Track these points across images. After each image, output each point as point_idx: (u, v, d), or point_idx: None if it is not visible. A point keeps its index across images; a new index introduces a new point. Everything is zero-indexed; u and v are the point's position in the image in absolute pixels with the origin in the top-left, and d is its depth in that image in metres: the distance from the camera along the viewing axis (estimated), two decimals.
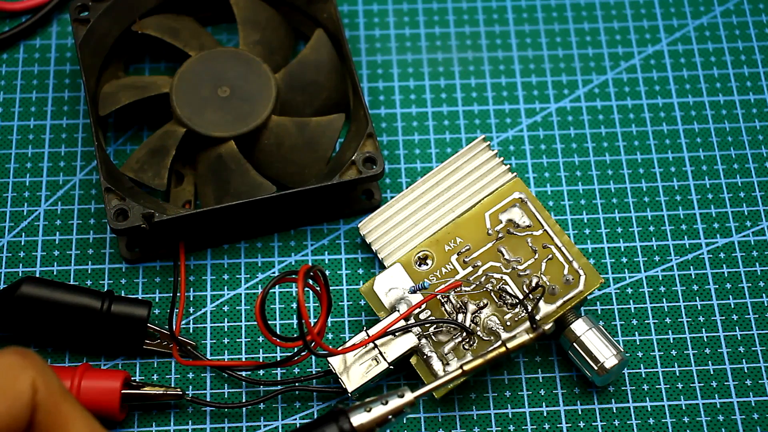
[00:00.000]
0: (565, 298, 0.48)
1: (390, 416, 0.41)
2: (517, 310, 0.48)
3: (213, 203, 0.51)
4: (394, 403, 0.42)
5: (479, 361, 0.45)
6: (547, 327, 0.46)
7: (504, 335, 0.47)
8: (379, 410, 0.41)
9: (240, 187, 0.51)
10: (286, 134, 0.52)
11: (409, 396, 0.42)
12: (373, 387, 0.49)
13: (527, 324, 0.47)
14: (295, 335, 0.49)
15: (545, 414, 0.49)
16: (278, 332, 0.50)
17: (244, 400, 0.49)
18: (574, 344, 0.48)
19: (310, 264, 0.52)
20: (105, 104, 0.53)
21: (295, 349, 0.46)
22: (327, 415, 0.41)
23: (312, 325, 0.43)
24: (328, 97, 0.54)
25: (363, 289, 0.49)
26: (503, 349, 0.45)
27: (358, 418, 0.41)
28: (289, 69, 0.54)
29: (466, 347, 0.47)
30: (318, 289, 0.44)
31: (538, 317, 0.47)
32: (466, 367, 0.45)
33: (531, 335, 0.45)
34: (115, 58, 0.55)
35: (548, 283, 0.48)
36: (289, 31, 0.56)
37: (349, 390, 0.46)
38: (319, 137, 0.52)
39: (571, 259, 0.49)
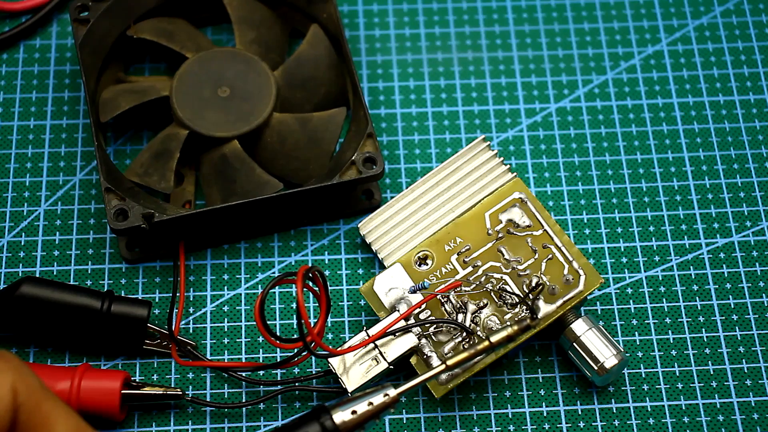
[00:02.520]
0: (565, 298, 0.48)
1: (373, 412, 0.41)
2: (517, 309, 0.48)
3: (219, 204, 0.51)
4: (377, 399, 0.42)
5: (463, 355, 0.44)
6: (531, 320, 0.46)
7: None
8: (361, 407, 0.41)
9: (246, 186, 0.51)
10: (289, 131, 0.52)
11: (391, 392, 0.42)
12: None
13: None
14: (295, 335, 0.50)
15: (545, 414, 0.49)
16: (278, 332, 0.50)
17: (244, 400, 0.49)
18: (574, 344, 0.48)
19: (309, 264, 0.52)
20: (105, 110, 0.53)
21: (295, 350, 0.46)
22: (309, 412, 0.42)
23: (312, 325, 0.43)
24: (327, 92, 0.54)
25: (363, 289, 0.49)
26: (486, 343, 0.45)
27: (341, 416, 0.41)
28: (287, 66, 0.54)
29: (466, 347, 0.47)
30: (317, 289, 0.44)
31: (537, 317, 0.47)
32: (449, 362, 0.44)
33: (514, 328, 0.45)
34: (115, 58, 0.55)
35: (548, 283, 0.48)
36: (283, 29, 0.56)
37: (350, 390, 0.46)
38: (322, 132, 0.52)
39: (571, 259, 0.49)
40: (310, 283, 0.44)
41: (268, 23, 0.55)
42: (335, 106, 0.54)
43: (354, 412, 0.41)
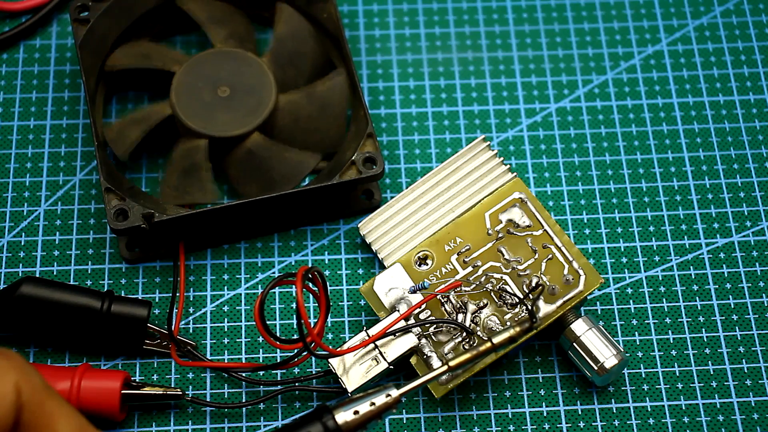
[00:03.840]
0: (565, 298, 0.48)
1: (375, 413, 0.41)
2: (517, 310, 0.48)
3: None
4: (379, 400, 0.42)
5: (466, 356, 0.45)
6: (532, 323, 0.46)
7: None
8: (364, 407, 0.41)
9: (283, 171, 0.51)
10: (298, 107, 0.52)
11: (394, 393, 0.42)
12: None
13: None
14: (295, 336, 0.50)
15: (545, 414, 0.49)
16: (278, 332, 0.50)
17: (244, 400, 0.49)
18: (574, 344, 0.48)
19: (309, 264, 0.52)
20: (118, 147, 0.52)
21: (295, 351, 0.46)
22: (311, 412, 0.42)
23: (312, 326, 0.43)
24: (314, 62, 0.54)
25: (363, 289, 0.49)
26: (489, 344, 0.45)
27: (343, 416, 0.41)
28: (272, 48, 0.54)
29: (466, 347, 0.47)
30: (316, 290, 0.44)
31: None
32: (451, 363, 0.44)
33: (516, 329, 0.45)
34: None
35: (548, 283, 0.48)
36: (245, 17, 0.56)
37: (350, 390, 0.46)
38: (330, 98, 0.53)
39: (571, 259, 0.49)
40: (310, 284, 0.44)
41: (233, 17, 0.55)
42: (326, 72, 0.54)
43: (356, 413, 0.41)
